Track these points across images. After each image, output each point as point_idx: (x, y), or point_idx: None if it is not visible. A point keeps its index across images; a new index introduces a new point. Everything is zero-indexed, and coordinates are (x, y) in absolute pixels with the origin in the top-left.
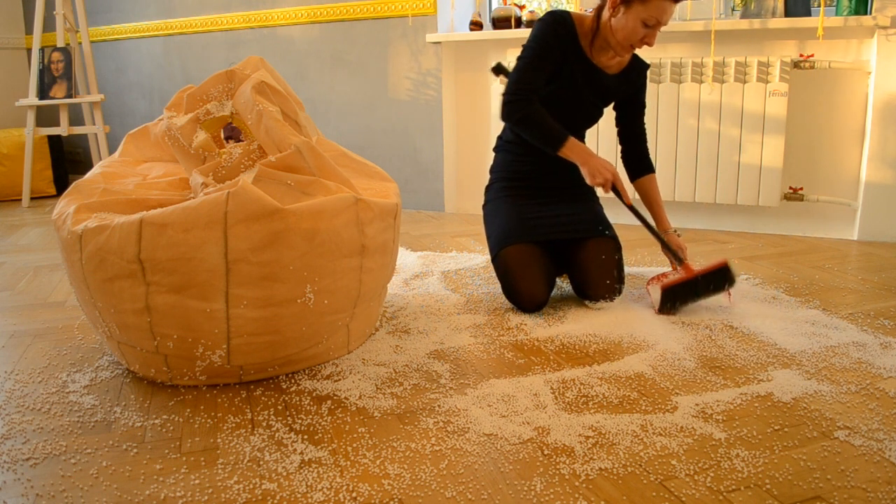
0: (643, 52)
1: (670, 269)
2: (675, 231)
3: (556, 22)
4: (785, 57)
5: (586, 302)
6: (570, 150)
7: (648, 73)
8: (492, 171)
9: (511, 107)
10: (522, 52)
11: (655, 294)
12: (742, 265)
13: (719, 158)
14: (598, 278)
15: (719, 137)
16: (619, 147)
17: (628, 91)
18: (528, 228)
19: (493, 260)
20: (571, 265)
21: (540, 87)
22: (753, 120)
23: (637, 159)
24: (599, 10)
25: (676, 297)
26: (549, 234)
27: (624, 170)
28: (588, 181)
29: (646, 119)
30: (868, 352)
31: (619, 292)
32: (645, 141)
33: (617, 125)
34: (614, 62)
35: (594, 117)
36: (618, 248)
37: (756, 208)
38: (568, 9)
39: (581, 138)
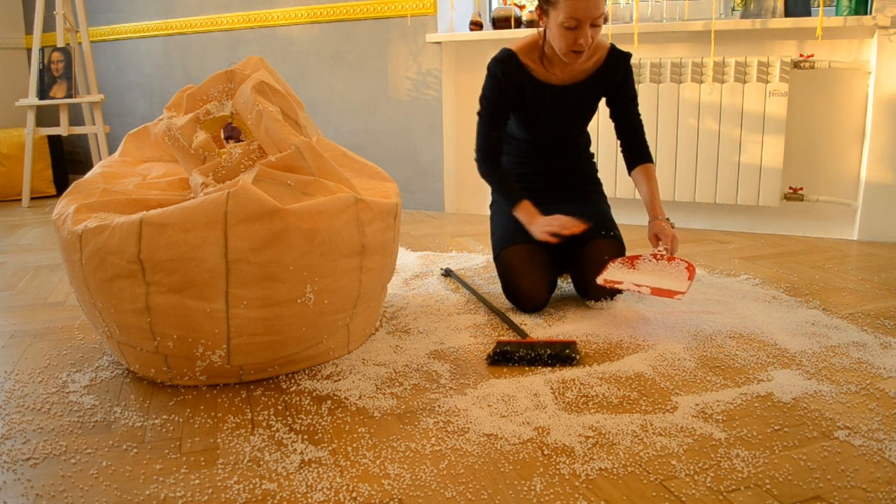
0: (644, 51)
1: (649, 254)
2: (668, 220)
3: (500, 67)
4: (785, 57)
5: (587, 302)
6: (519, 212)
7: (649, 71)
8: None
9: (478, 165)
10: (480, 102)
11: (610, 270)
12: (742, 265)
13: (719, 158)
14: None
15: (719, 137)
16: (617, 140)
17: (610, 86)
18: None
19: (495, 259)
20: (574, 265)
21: (500, 138)
22: (753, 120)
23: (632, 150)
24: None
25: (507, 354)
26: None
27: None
28: (539, 237)
29: (646, 119)
30: (868, 352)
31: (621, 292)
32: (640, 131)
33: (611, 118)
34: (590, 63)
35: (585, 118)
36: (621, 248)
37: (756, 208)
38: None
39: (580, 135)
